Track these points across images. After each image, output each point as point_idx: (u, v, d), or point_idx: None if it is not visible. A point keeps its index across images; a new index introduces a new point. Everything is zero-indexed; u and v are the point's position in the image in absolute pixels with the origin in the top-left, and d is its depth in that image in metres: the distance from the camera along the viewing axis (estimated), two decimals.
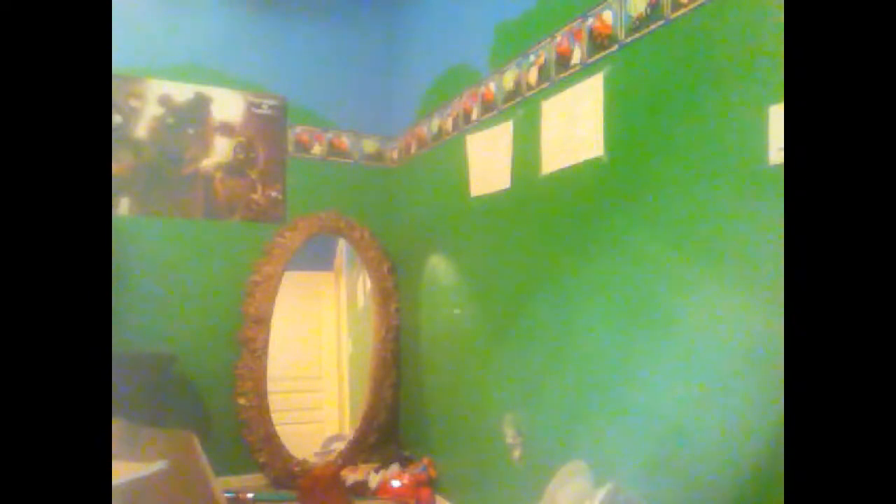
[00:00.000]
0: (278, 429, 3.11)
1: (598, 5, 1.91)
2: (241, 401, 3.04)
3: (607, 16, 1.87)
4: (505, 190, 2.38)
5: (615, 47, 1.84)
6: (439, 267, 2.98)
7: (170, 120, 3.08)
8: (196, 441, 1.79)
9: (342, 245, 3.56)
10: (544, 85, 2.16)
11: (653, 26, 1.70)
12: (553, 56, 2.12)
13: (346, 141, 3.46)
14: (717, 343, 1.48)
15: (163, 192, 3.04)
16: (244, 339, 3.07)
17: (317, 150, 3.39)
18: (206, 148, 3.15)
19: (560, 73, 2.08)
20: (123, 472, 1.31)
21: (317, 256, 3.52)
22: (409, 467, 2.97)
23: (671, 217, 1.64)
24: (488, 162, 2.50)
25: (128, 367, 2.59)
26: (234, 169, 3.20)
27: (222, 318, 3.09)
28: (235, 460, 3.02)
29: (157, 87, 3.05)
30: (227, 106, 3.19)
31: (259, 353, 3.07)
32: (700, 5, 1.55)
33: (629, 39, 1.79)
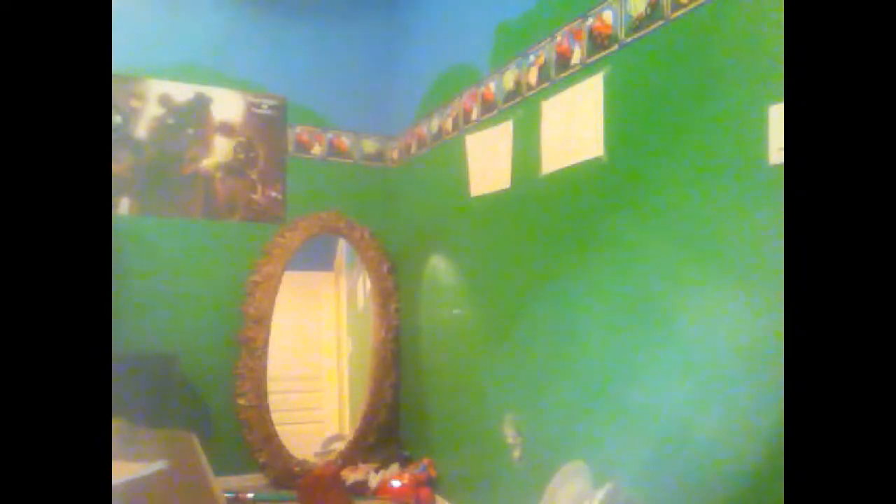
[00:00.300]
0: (278, 429, 3.11)
1: (598, 5, 1.91)
2: (241, 401, 3.04)
3: (607, 16, 1.87)
4: (505, 190, 2.38)
5: (615, 47, 1.84)
6: (439, 267, 2.98)
7: (170, 120, 3.08)
8: (196, 441, 1.79)
9: (342, 245, 3.56)
10: (544, 85, 2.16)
11: (653, 26, 1.70)
12: (553, 56, 2.12)
13: (346, 141, 3.46)
14: (717, 343, 1.48)
15: (163, 192, 3.04)
16: (244, 339, 3.07)
17: (317, 150, 3.39)
18: (206, 148, 3.15)
19: (560, 73, 2.08)
20: (123, 472, 1.31)
21: (317, 256, 3.52)
22: (409, 467, 2.97)
23: (671, 217, 1.64)
24: (488, 162, 2.50)
25: (128, 367, 2.59)
26: (234, 169, 3.20)
27: (222, 318, 3.09)
28: (235, 460, 3.02)
29: (157, 87, 3.05)
30: (227, 106, 3.19)
31: (259, 353, 3.07)
32: (700, 5, 1.55)
33: (629, 39, 1.79)
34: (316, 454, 3.31)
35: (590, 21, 1.94)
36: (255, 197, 3.23)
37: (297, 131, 3.34)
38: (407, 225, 3.37)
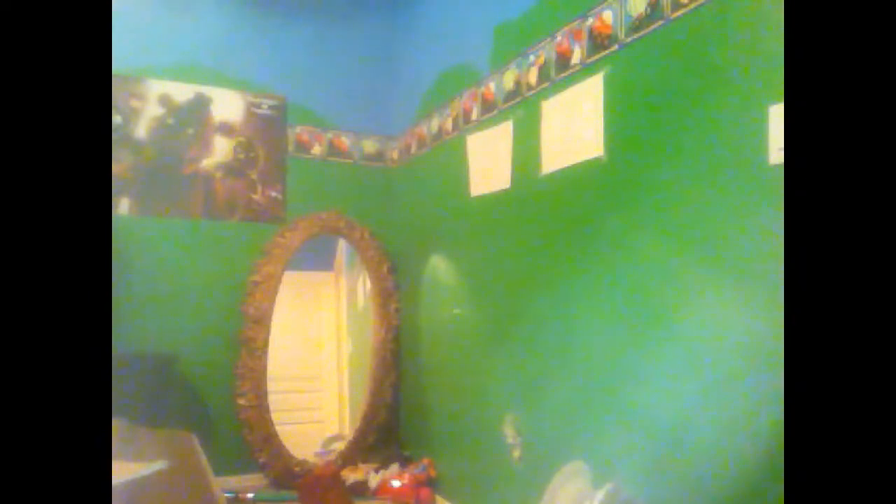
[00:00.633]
0: (278, 429, 3.11)
1: (598, 5, 1.91)
2: (241, 401, 3.04)
3: (607, 16, 1.87)
4: (505, 190, 2.38)
5: (615, 47, 1.84)
6: (439, 267, 2.98)
7: (170, 120, 3.08)
8: (196, 441, 1.79)
9: (342, 245, 3.56)
10: (544, 85, 2.16)
11: (653, 26, 1.70)
12: (553, 56, 2.12)
13: (346, 141, 3.46)
14: (717, 343, 1.48)
15: (163, 192, 3.04)
16: (244, 339, 3.07)
17: (317, 150, 3.39)
18: (206, 148, 3.15)
19: (560, 73, 2.08)
20: (123, 472, 1.31)
21: (317, 256, 3.52)
22: (409, 467, 2.97)
23: (671, 217, 1.64)
24: (488, 162, 2.50)
25: (128, 367, 2.59)
26: (234, 169, 3.20)
27: (222, 318, 3.09)
28: (235, 460, 3.01)
29: (157, 87, 3.05)
30: (227, 106, 3.19)
31: (259, 353, 3.07)
32: (700, 5, 1.55)
33: (629, 39, 1.79)
34: (316, 454, 3.31)
35: (590, 21, 1.94)
36: (255, 197, 3.23)
37: (297, 131, 3.34)
38: (407, 225, 3.37)
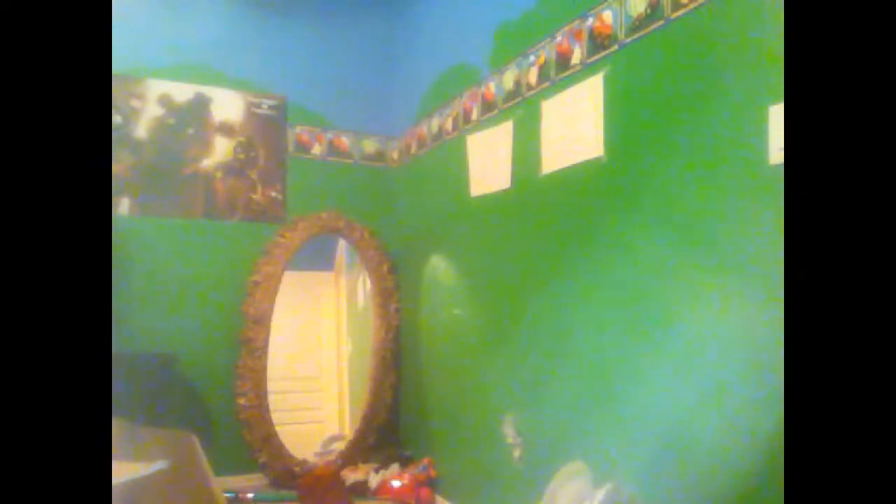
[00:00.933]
0: (278, 429, 3.10)
1: (598, 5, 1.91)
2: (241, 401, 3.04)
3: (607, 16, 1.87)
4: (505, 190, 2.38)
5: (615, 47, 1.84)
6: (439, 267, 2.98)
7: (170, 120, 3.08)
8: (196, 441, 1.79)
9: (342, 245, 3.56)
10: (544, 85, 2.16)
11: (653, 26, 1.70)
12: (553, 56, 2.12)
13: (346, 141, 3.46)
14: (717, 343, 1.48)
15: (163, 192, 3.04)
16: (244, 339, 3.07)
17: (317, 150, 3.39)
18: (206, 148, 3.15)
19: (560, 73, 2.08)
20: (123, 472, 1.31)
21: (317, 256, 3.52)
22: (409, 467, 2.97)
23: (671, 217, 1.64)
24: (488, 162, 2.50)
25: (128, 367, 2.59)
26: (234, 169, 3.20)
27: (222, 318, 3.09)
28: (235, 460, 3.01)
29: (157, 87, 3.05)
30: (227, 106, 3.19)
31: (259, 353, 3.07)
32: (700, 5, 1.55)
33: (629, 39, 1.79)
34: (316, 454, 3.30)
35: (590, 21, 1.94)
36: (255, 197, 3.23)
37: (297, 131, 3.34)
38: (407, 225, 3.37)
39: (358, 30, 3.52)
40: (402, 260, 3.42)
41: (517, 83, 2.32)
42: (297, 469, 3.07)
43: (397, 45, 3.52)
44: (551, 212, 2.12)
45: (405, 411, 3.37)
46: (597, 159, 1.90)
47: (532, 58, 2.23)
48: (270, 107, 3.28)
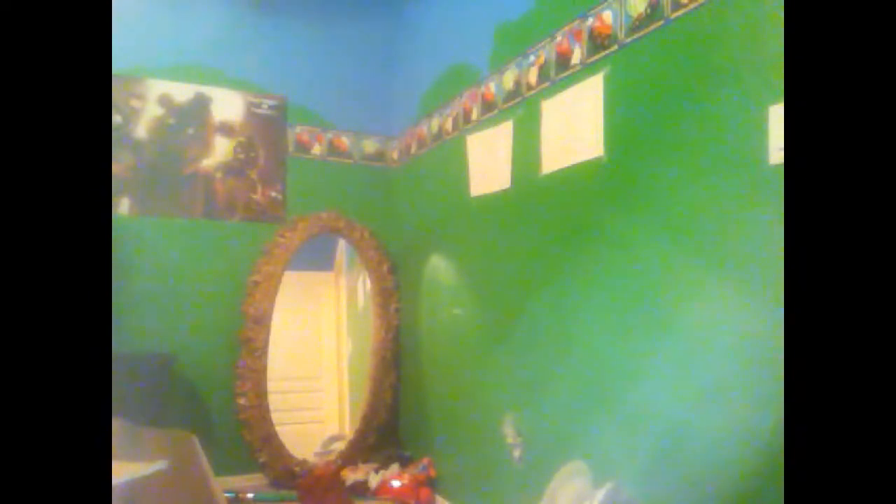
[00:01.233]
0: (278, 429, 3.11)
1: (598, 5, 1.91)
2: (241, 401, 3.04)
3: (607, 16, 1.87)
4: (505, 190, 2.38)
5: (615, 47, 1.84)
6: (439, 267, 2.98)
7: (170, 120, 3.08)
8: (196, 441, 1.79)
9: (342, 245, 3.56)
10: (544, 85, 2.16)
11: (653, 26, 1.70)
12: (553, 56, 2.12)
13: (346, 141, 3.46)
14: (717, 343, 1.48)
15: (163, 192, 3.04)
16: (244, 339, 3.07)
17: (317, 150, 3.39)
18: (206, 148, 3.15)
19: (560, 73, 2.08)
20: (123, 472, 1.31)
21: (317, 256, 3.52)
22: (409, 467, 2.97)
23: (671, 217, 1.64)
24: (488, 162, 2.50)
25: (128, 367, 2.59)
26: (234, 169, 3.20)
27: (222, 318, 3.09)
28: (235, 460, 3.01)
29: (157, 87, 3.05)
30: (227, 106, 3.19)
31: (259, 353, 3.07)
32: (700, 5, 1.55)
33: (629, 39, 1.79)
34: (316, 454, 3.30)
35: (590, 21, 1.94)
36: (255, 197, 3.23)
37: (297, 131, 3.34)
38: (407, 225, 3.37)
39: (358, 30, 3.52)
40: (402, 260, 3.42)
41: (517, 83, 2.32)
42: (297, 469, 3.07)
43: (397, 45, 3.52)
44: (551, 212, 2.12)
45: (405, 411, 3.38)
46: (597, 159, 1.90)
47: (532, 58, 2.23)
48: (270, 107, 3.28)
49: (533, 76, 2.22)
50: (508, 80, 2.38)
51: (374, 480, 2.95)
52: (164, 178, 3.05)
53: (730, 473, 1.42)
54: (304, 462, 3.14)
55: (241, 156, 3.21)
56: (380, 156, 3.54)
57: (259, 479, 3.07)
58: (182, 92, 3.10)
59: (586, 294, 1.94)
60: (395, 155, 3.51)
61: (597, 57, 1.91)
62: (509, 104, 2.37)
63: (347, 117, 3.45)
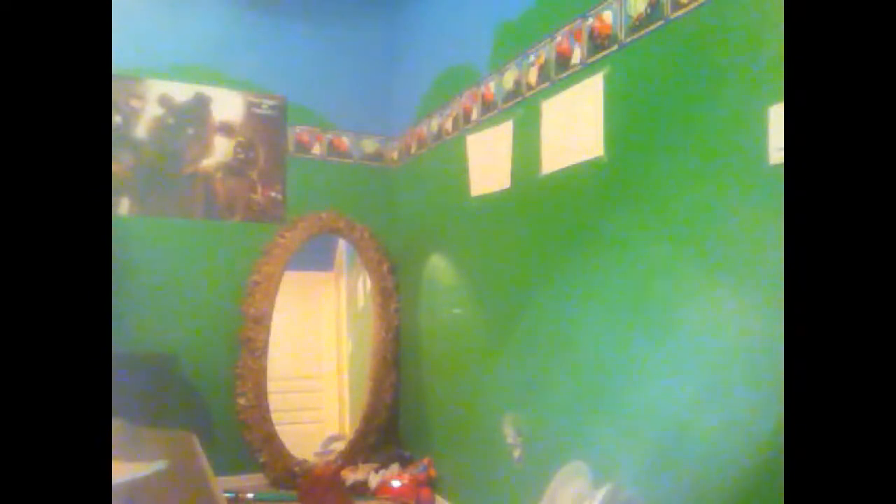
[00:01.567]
0: (278, 429, 3.11)
1: (598, 5, 1.90)
2: (241, 401, 3.04)
3: (607, 16, 1.87)
4: (505, 190, 2.38)
5: (615, 47, 1.84)
6: (439, 267, 2.98)
7: (170, 120, 3.08)
8: (196, 441, 1.79)
9: (342, 245, 3.56)
10: (544, 85, 2.16)
11: (653, 26, 1.70)
12: (553, 56, 2.12)
13: (346, 141, 3.46)
14: (717, 343, 1.48)
15: (163, 192, 3.04)
16: (244, 339, 3.07)
17: (317, 150, 3.39)
18: (206, 148, 3.15)
19: (560, 73, 2.08)
20: (123, 472, 1.31)
21: (317, 256, 3.52)
22: (409, 467, 2.97)
23: (671, 217, 1.64)
24: (488, 162, 2.50)
25: (128, 367, 2.59)
26: (234, 169, 3.20)
27: (222, 318, 3.09)
28: (235, 460, 3.01)
29: (157, 87, 3.05)
30: (227, 106, 3.19)
31: (259, 353, 3.07)
32: (700, 5, 1.55)
33: (629, 39, 1.79)
34: (316, 454, 3.30)
35: (590, 21, 1.94)
36: (255, 197, 3.23)
37: (297, 131, 3.34)
38: (407, 225, 3.37)
39: (358, 30, 3.52)
40: (402, 260, 3.42)
41: (517, 83, 2.32)
42: (297, 469, 3.08)
43: (397, 45, 3.52)
44: (551, 212, 2.12)
45: (405, 411, 3.37)
46: (597, 159, 1.90)
47: (532, 58, 2.23)
48: (270, 107, 3.28)
49: (533, 76, 2.22)
50: (508, 80, 2.38)
51: (374, 480, 2.95)
52: (164, 178, 3.05)
53: (730, 473, 1.42)
54: (304, 462, 3.14)
55: (241, 156, 3.21)
56: (380, 156, 3.54)
57: (259, 479, 3.07)
58: (182, 92, 3.10)
59: (586, 294, 1.94)
60: (395, 155, 3.51)
61: (597, 57, 1.91)
62: (509, 104, 2.37)
63: (347, 117, 3.45)
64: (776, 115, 1.34)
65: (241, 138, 3.21)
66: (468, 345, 2.66)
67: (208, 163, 3.15)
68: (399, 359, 3.40)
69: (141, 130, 3.02)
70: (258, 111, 3.25)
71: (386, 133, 3.53)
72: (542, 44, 2.17)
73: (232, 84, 3.20)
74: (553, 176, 2.10)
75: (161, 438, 1.81)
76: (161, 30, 3.07)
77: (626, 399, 1.75)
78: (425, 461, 2.94)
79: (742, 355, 1.41)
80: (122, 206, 2.96)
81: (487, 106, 2.53)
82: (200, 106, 3.14)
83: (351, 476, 3.01)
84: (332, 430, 3.53)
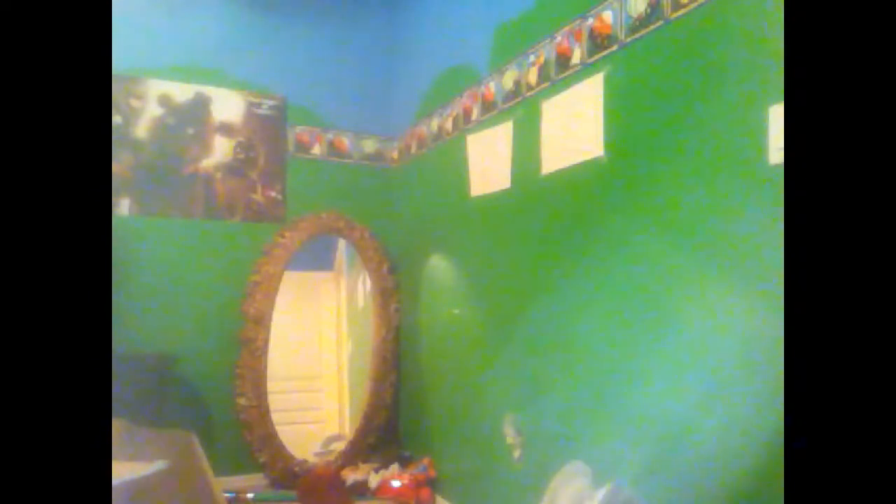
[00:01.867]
0: (278, 429, 3.10)
1: (598, 5, 1.90)
2: (241, 401, 3.04)
3: (607, 16, 1.87)
4: (505, 190, 2.38)
5: (615, 47, 1.84)
6: (439, 267, 2.98)
7: (170, 120, 3.08)
8: (196, 441, 1.79)
9: (342, 245, 3.56)
10: (544, 85, 2.16)
11: (653, 26, 1.70)
12: (553, 56, 2.12)
13: (346, 141, 3.46)
14: (717, 343, 1.48)
15: (163, 192, 3.04)
16: (244, 339, 3.07)
17: (317, 150, 3.39)
18: (206, 148, 3.15)
19: (560, 73, 2.08)
20: (123, 472, 1.31)
21: (317, 256, 3.52)
22: (409, 467, 2.97)
23: (671, 217, 1.64)
24: (488, 162, 2.50)
25: (128, 367, 2.59)
26: (234, 169, 3.20)
27: (222, 318, 3.09)
28: (235, 460, 3.01)
29: (157, 87, 3.05)
30: (227, 106, 3.19)
31: (259, 353, 3.07)
32: (700, 5, 1.55)
33: (629, 39, 1.79)
34: (316, 454, 3.30)
35: (590, 21, 1.94)
36: (255, 197, 3.23)
37: (297, 131, 3.34)
38: (407, 225, 3.37)
39: (358, 30, 3.52)
40: (402, 260, 3.42)
41: (517, 83, 2.32)
42: (297, 469, 3.07)
43: (397, 44, 3.52)
44: (551, 212, 2.12)
45: (405, 411, 3.38)
46: (597, 159, 1.90)
47: (532, 58, 2.23)
48: (270, 107, 3.28)
49: (533, 76, 2.22)
50: (508, 80, 2.38)
51: (374, 480, 2.95)
52: (164, 178, 3.05)
53: (730, 473, 1.42)
54: (304, 462, 3.14)
55: (241, 156, 3.21)
56: (380, 156, 3.54)
57: (259, 479, 3.07)
58: (182, 92, 3.10)
59: (586, 294, 1.94)
60: (395, 155, 3.51)
61: (597, 57, 1.91)
62: (509, 104, 2.37)
63: (347, 117, 3.45)
64: (776, 115, 1.34)
65: (241, 138, 3.21)
66: (468, 345, 2.66)
67: (208, 163, 3.14)
68: (399, 359, 3.40)
69: (141, 130, 3.02)
70: (258, 111, 3.25)
71: (386, 133, 3.53)
72: (542, 44, 2.17)
73: (232, 84, 3.20)
74: (553, 176, 2.10)
75: (161, 438, 1.81)
76: (161, 30, 3.07)
77: (627, 399, 1.75)
78: (425, 461, 2.94)
79: (742, 355, 1.41)
80: (122, 206, 2.96)
81: (487, 106, 2.53)
82: (200, 106, 3.14)
83: (351, 476, 3.01)
84: (332, 430, 3.53)
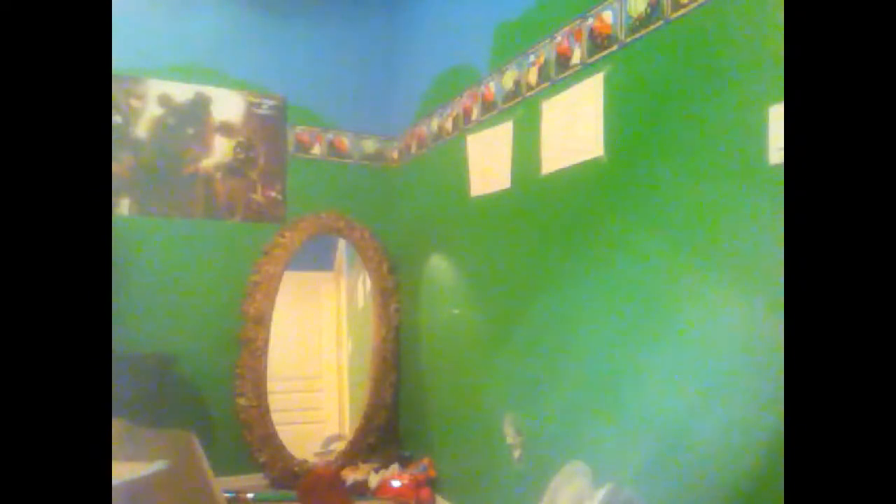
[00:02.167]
0: (278, 429, 3.10)
1: (598, 5, 1.91)
2: (241, 401, 3.04)
3: (607, 16, 1.87)
4: (505, 190, 2.38)
5: (615, 47, 1.84)
6: (439, 267, 2.98)
7: (170, 120, 3.08)
8: (196, 441, 1.79)
9: (342, 245, 3.56)
10: (544, 85, 2.16)
11: (653, 26, 1.70)
12: (553, 56, 2.12)
13: (346, 141, 3.46)
14: (717, 343, 1.48)
15: (163, 192, 3.04)
16: (244, 339, 3.07)
17: (317, 150, 3.39)
18: (206, 148, 3.14)
19: (560, 73, 2.08)
20: (123, 472, 1.31)
21: (317, 256, 3.52)
22: (409, 467, 2.97)
23: (671, 217, 1.64)
24: (488, 162, 2.50)
25: (128, 367, 2.59)
26: (234, 169, 3.19)
27: (222, 318, 3.08)
28: (235, 460, 3.01)
29: (157, 87, 3.05)
30: (227, 106, 3.19)
31: (259, 353, 3.07)
32: (700, 5, 1.55)
33: (629, 39, 1.79)
34: (316, 454, 3.30)
35: (590, 21, 1.94)
36: (255, 197, 3.23)
37: (297, 131, 3.34)
38: (407, 225, 3.37)
39: (358, 30, 3.52)
40: (402, 260, 3.42)
41: (517, 83, 2.32)
42: (297, 469, 3.07)
43: (397, 45, 3.52)
44: (551, 212, 2.12)
45: (405, 411, 3.37)
46: (597, 159, 1.90)
47: (532, 58, 2.23)
48: (270, 107, 3.28)
49: (533, 76, 2.22)
50: (508, 80, 2.38)
51: (374, 480, 2.95)
52: (164, 178, 3.05)
53: (730, 473, 1.42)
54: (304, 462, 3.14)
55: (241, 156, 3.21)
56: (380, 156, 3.54)
57: (259, 479, 3.07)
58: (182, 92, 3.10)
59: (586, 294, 1.94)
60: (395, 155, 3.51)
61: (597, 57, 1.91)
62: (509, 104, 2.37)
63: (347, 117, 3.45)
64: (776, 115, 1.34)
65: (241, 138, 3.21)
66: (468, 345, 2.66)
67: (208, 163, 3.14)
68: (399, 359, 3.40)
69: (141, 130, 3.02)
70: (258, 111, 3.25)
71: (386, 133, 3.53)
72: (542, 44, 2.17)
73: (232, 84, 3.20)
74: (553, 176, 2.11)
75: (161, 438, 1.81)
76: (161, 30, 3.07)
77: (627, 399, 1.75)
78: (425, 461, 2.94)
79: (742, 355, 1.41)
80: (122, 206, 2.96)
81: (487, 106, 2.53)
82: (200, 106, 3.14)
83: (351, 476, 3.01)
84: (332, 430, 3.53)
